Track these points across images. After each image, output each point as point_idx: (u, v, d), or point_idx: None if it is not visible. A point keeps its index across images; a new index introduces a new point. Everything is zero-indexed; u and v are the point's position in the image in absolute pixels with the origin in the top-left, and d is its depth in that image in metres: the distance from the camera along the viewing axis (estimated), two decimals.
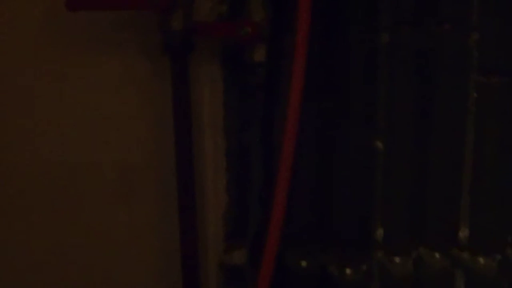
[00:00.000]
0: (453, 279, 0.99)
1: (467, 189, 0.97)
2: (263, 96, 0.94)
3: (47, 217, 1.02)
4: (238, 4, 0.91)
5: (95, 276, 1.04)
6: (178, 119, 0.89)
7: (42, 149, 0.99)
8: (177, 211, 0.94)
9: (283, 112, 0.88)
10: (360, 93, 0.93)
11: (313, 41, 0.86)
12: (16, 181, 1.01)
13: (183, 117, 0.89)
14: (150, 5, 0.86)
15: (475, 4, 0.92)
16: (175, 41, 0.88)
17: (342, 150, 0.95)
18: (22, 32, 0.94)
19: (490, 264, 0.96)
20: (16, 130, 0.99)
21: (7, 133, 0.99)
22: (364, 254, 0.99)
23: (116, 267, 1.01)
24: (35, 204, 1.01)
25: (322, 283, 0.98)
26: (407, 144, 0.95)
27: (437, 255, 0.98)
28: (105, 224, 1.01)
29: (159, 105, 0.92)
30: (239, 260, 0.97)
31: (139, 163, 0.97)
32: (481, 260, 0.96)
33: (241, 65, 0.92)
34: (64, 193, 1.01)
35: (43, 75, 0.95)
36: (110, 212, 1.00)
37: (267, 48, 0.90)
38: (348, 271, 0.97)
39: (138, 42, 0.93)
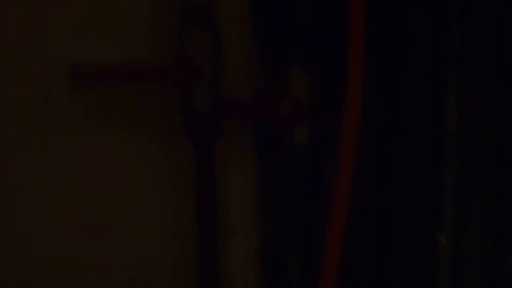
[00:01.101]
0: None
1: None
2: (305, 188, 0.74)
3: None
4: (275, 77, 0.71)
5: None
6: (201, 217, 0.69)
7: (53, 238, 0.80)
8: None
9: (329, 207, 0.68)
10: (425, 189, 0.71)
11: (366, 124, 0.65)
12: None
13: (208, 213, 0.69)
14: (173, 79, 0.68)
15: None
16: (199, 123, 0.69)
17: (400, 253, 0.73)
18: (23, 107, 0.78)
19: None
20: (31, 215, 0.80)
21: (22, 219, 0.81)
22: None
23: None
24: None
25: None
26: (477, 240, 0.72)
27: None
28: None
29: (179, 199, 0.73)
30: None
31: (156, 266, 0.76)
32: None
33: (279, 150, 0.73)
34: None
35: (46, 160, 0.77)
36: None
37: (311, 129, 0.72)
38: None
39: (159, 123, 0.74)
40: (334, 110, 0.70)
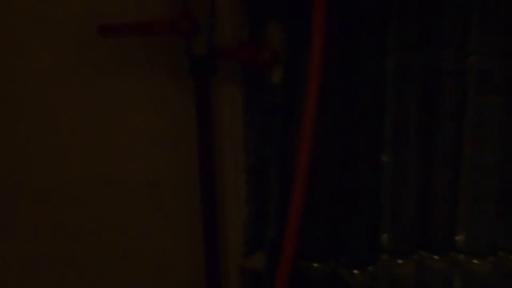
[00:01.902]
0: (451, 279, 0.92)
1: (464, 199, 0.89)
2: (280, 115, 0.85)
3: (77, 228, 0.94)
4: (257, 31, 0.83)
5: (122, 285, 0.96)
6: (201, 136, 0.82)
7: (73, 163, 0.91)
8: (201, 220, 0.87)
9: (298, 130, 0.80)
10: (369, 112, 0.85)
11: (326, 68, 0.77)
12: (45, 192, 0.92)
13: (206, 135, 0.82)
14: (175, 31, 0.78)
15: (474, 29, 0.84)
16: (199, 65, 0.80)
17: (353, 165, 0.87)
18: (56, 54, 0.86)
19: (483, 264, 0.90)
20: (46, 144, 0.90)
21: (39, 146, 0.90)
22: (371, 257, 0.91)
23: (144, 272, 0.93)
24: (63, 215, 0.93)
25: (332, 284, 0.90)
26: (411, 159, 0.87)
27: (436, 257, 0.90)
28: (134, 233, 0.93)
29: (184, 123, 0.85)
30: (257, 264, 0.90)
31: (165, 177, 0.90)
32: (476, 261, 0.90)
33: (260, 87, 0.84)
34: (95, 204, 0.93)
35: (76, 95, 0.87)
36: (139, 221, 0.92)
37: (284, 71, 0.82)
38: (356, 272, 0.90)
39: (165, 65, 0.86)
40: (303, 55, 0.80)
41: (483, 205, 0.87)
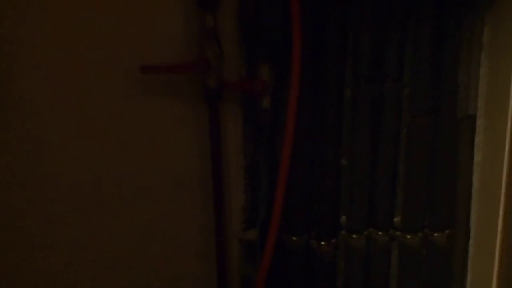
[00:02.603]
0: (390, 250, 1.08)
1: (400, 191, 1.05)
2: (268, 130, 1.02)
3: (112, 220, 1.04)
4: (252, 69, 0.98)
5: (150, 255, 1.07)
6: (213, 145, 0.98)
7: (119, 167, 1.02)
8: (212, 206, 1.02)
9: (281, 140, 0.97)
10: (332, 127, 1.01)
11: (301, 95, 0.95)
12: (94, 187, 1.02)
13: (216, 144, 0.98)
14: (194, 70, 0.94)
15: (407, 67, 1.01)
16: (211, 94, 0.96)
17: (321, 166, 1.03)
18: (108, 86, 0.99)
19: (414, 239, 1.06)
20: (99, 153, 1.01)
21: (90, 155, 1.01)
22: (333, 233, 1.06)
23: (168, 247, 1.06)
24: (98, 212, 1.04)
25: (306, 252, 1.06)
26: (362, 162, 1.03)
27: (380, 233, 1.06)
28: (162, 219, 1.05)
29: (201, 135, 0.99)
30: (252, 237, 1.06)
31: (187, 174, 1.03)
32: (408, 236, 1.06)
33: (254, 110, 1.00)
34: (132, 198, 1.04)
35: (122, 113, 1.00)
36: (167, 208, 1.04)
37: (271, 98, 0.98)
38: (323, 243, 1.05)
39: (186, 94, 0.99)
40: (283, 88, 0.97)
41: (414, 195, 1.03)
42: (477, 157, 1.04)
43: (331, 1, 0.95)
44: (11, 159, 1.01)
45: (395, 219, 1.06)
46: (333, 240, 1.04)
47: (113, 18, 0.97)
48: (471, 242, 1.07)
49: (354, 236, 1.04)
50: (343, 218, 1.06)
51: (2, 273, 1.06)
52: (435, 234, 1.05)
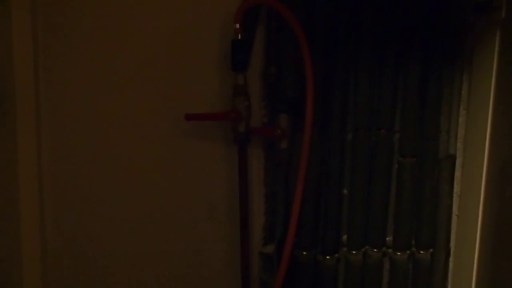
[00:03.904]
0: (382, 265, 1.22)
1: (392, 216, 1.20)
2: (285, 166, 1.17)
3: (163, 233, 1.21)
4: (273, 118, 1.16)
5: (187, 263, 1.23)
6: (240, 177, 1.15)
7: (159, 197, 1.20)
8: (238, 226, 1.17)
9: (296, 174, 1.13)
10: (336, 167, 1.17)
11: (312, 139, 1.11)
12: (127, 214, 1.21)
13: (243, 177, 1.16)
14: (227, 119, 1.13)
15: (397, 118, 1.17)
16: (240, 138, 1.14)
17: (326, 195, 1.18)
18: (160, 129, 1.18)
19: (403, 256, 1.20)
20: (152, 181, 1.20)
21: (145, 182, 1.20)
22: (336, 249, 1.21)
23: (202, 257, 1.23)
24: (156, 227, 1.21)
25: (313, 264, 1.20)
26: (361, 192, 1.18)
27: (375, 250, 1.20)
28: (199, 235, 1.22)
29: (231, 171, 1.17)
30: (270, 250, 1.20)
31: (219, 202, 1.20)
32: (398, 253, 1.20)
33: (274, 150, 1.17)
34: (175, 218, 1.21)
35: (171, 153, 1.19)
36: (201, 228, 1.21)
37: (288, 141, 1.14)
38: (327, 257, 1.20)
39: (220, 138, 1.17)
40: (299, 133, 1.14)
41: (403, 219, 1.19)
42: (457, 188, 1.21)
43: (337, 70, 1.14)
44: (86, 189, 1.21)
45: (387, 238, 1.21)
46: (335, 255, 1.20)
47: (164, 76, 1.17)
48: (451, 259, 1.22)
49: (353, 252, 1.20)
50: (344, 237, 1.21)
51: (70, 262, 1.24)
52: (421, 252, 1.20)
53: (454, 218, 1.22)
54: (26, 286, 1.19)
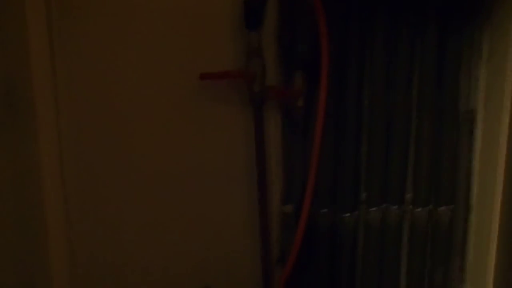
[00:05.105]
0: (402, 222, 1.22)
1: (411, 173, 1.20)
2: (301, 125, 1.16)
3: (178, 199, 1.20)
4: (288, 78, 1.14)
5: (207, 226, 1.23)
6: (257, 139, 1.14)
7: (178, 159, 1.18)
8: (256, 187, 1.17)
9: (313, 132, 1.13)
10: (354, 125, 1.17)
11: (329, 100, 1.10)
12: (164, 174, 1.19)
13: (260, 138, 1.14)
14: (243, 79, 1.11)
15: (416, 76, 1.15)
16: (255, 97, 1.12)
17: (344, 154, 1.17)
18: (170, 91, 1.16)
19: (422, 212, 1.20)
20: (166, 147, 1.18)
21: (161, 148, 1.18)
22: (355, 207, 1.21)
23: (222, 220, 1.22)
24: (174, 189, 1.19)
25: (332, 223, 1.21)
26: (379, 150, 1.18)
27: (394, 207, 1.20)
28: (217, 198, 1.21)
29: (248, 131, 1.15)
30: (289, 210, 1.21)
31: (235, 163, 1.18)
32: (418, 210, 1.20)
33: (289, 109, 1.16)
34: (192, 184, 1.20)
35: (182, 115, 1.16)
36: (218, 191, 1.20)
37: (304, 99, 1.13)
38: (346, 215, 1.21)
39: (236, 99, 1.15)
40: (315, 92, 1.13)
41: (422, 176, 1.19)
42: (477, 144, 1.19)
43: (352, 28, 1.12)
44: (98, 150, 1.20)
45: (406, 195, 1.20)
46: (355, 213, 1.21)
47: (178, 36, 1.14)
48: (471, 215, 1.22)
49: (372, 209, 1.20)
50: (363, 195, 1.21)
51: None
52: (441, 208, 1.20)
53: (474, 174, 1.21)
54: None
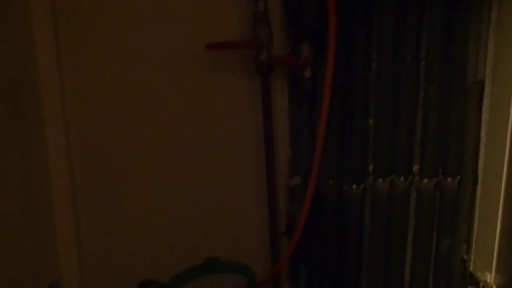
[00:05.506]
0: (409, 193, 1.22)
1: (418, 145, 1.19)
2: (308, 96, 1.15)
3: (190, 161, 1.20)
4: (296, 47, 1.13)
5: (215, 197, 1.23)
6: (264, 109, 1.14)
7: (189, 126, 1.17)
8: (264, 158, 1.17)
9: (320, 105, 1.13)
10: (361, 96, 1.15)
11: (336, 68, 1.10)
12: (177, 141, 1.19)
13: (267, 108, 1.14)
14: (250, 48, 1.10)
15: (423, 45, 1.14)
16: (262, 67, 1.12)
17: (351, 125, 1.16)
18: (177, 60, 1.15)
19: (429, 183, 1.20)
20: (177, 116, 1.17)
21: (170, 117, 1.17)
22: (362, 178, 1.21)
23: (229, 190, 1.22)
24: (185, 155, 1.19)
25: (339, 194, 1.21)
26: (385, 121, 1.17)
27: (401, 178, 1.20)
28: (224, 169, 1.21)
29: (255, 102, 1.15)
30: (296, 182, 1.21)
31: (242, 133, 1.18)
32: (425, 181, 1.20)
33: (296, 80, 1.15)
34: (199, 153, 1.20)
35: (189, 85, 1.16)
36: (226, 162, 1.20)
37: (311, 69, 1.12)
38: (353, 187, 1.21)
39: (243, 69, 1.14)
40: (322, 61, 1.12)
41: (429, 147, 1.18)
42: (485, 116, 1.19)
43: None
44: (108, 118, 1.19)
45: (413, 167, 1.20)
46: (362, 185, 1.20)
47: (183, 5, 1.13)
48: (478, 187, 1.22)
49: (379, 180, 1.19)
50: (371, 167, 1.21)
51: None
52: (448, 180, 1.20)
53: (482, 145, 1.20)
54: None
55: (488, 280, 1.20)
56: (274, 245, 1.23)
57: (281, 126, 1.19)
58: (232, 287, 1.16)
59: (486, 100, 1.18)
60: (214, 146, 1.21)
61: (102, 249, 1.25)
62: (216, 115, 1.19)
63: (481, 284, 1.22)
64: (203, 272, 1.14)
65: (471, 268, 1.27)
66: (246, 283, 1.16)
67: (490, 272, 1.19)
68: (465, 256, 1.26)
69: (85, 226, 1.23)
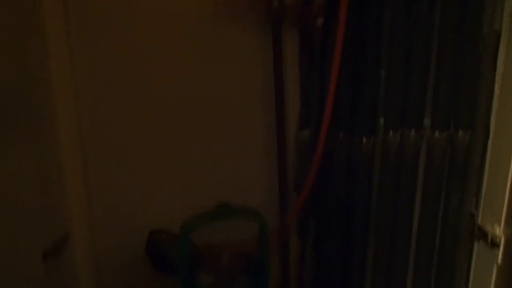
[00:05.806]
0: (420, 146, 1.21)
1: (430, 99, 1.17)
2: (320, 46, 1.13)
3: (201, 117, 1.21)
4: None
5: (224, 149, 1.23)
6: (275, 60, 1.13)
7: (196, 85, 1.17)
8: (274, 110, 1.17)
9: (331, 56, 1.10)
10: (373, 47, 1.12)
11: (349, 17, 1.06)
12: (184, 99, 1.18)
13: (278, 58, 1.13)
14: None
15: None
16: (274, 15, 1.10)
17: (363, 77, 1.15)
18: (187, 16, 1.14)
19: (441, 137, 1.19)
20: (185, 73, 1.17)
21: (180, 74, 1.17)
22: (373, 131, 1.20)
23: (239, 142, 1.22)
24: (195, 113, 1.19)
25: (350, 147, 1.20)
26: (398, 73, 1.15)
27: (412, 131, 1.19)
28: (234, 121, 1.21)
29: (266, 51, 1.14)
30: (306, 136, 1.21)
31: (252, 84, 1.17)
32: (437, 134, 1.19)
33: (308, 30, 1.12)
34: (209, 104, 1.20)
35: (198, 40, 1.15)
36: (236, 115, 1.20)
37: (324, 19, 1.11)
38: (364, 139, 1.20)
39: (256, 16, 1.13)
40: (334, 10, 1.09)
41: (441, 99, 1.16)
42: (500, 68, 1.14)
43: None
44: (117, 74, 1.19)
45: (424, 120, 1.18)
46: (372, 137, 1.19)
47: None
48: (490, 140, 1.19)
49: (390, 133, 1.18)
50: (381, 119, 1.19)
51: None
52: (459, 133, 1.18)
53: (495, 98, 1.17)
54: None
55: (497, 232, 1.21)
56: (283, 197, 1.24)
57: (292, 76, 1.18)
58: (244, 233, 1.16)
59: (501, 52, 1.14)
60: (225, 97, 1.21)
61: (111, 203, 1.26)
62: (227, 67, 1.18)
63: (490, 237, 1.22)
64: (214, 218, 1.15)
65: (480, 221, 1.26)
66: (257, 229, 1.17)
67: (499, 224, 1.19)
68: (473, 211, 1.25)
69: (94, 179, 1.24)
